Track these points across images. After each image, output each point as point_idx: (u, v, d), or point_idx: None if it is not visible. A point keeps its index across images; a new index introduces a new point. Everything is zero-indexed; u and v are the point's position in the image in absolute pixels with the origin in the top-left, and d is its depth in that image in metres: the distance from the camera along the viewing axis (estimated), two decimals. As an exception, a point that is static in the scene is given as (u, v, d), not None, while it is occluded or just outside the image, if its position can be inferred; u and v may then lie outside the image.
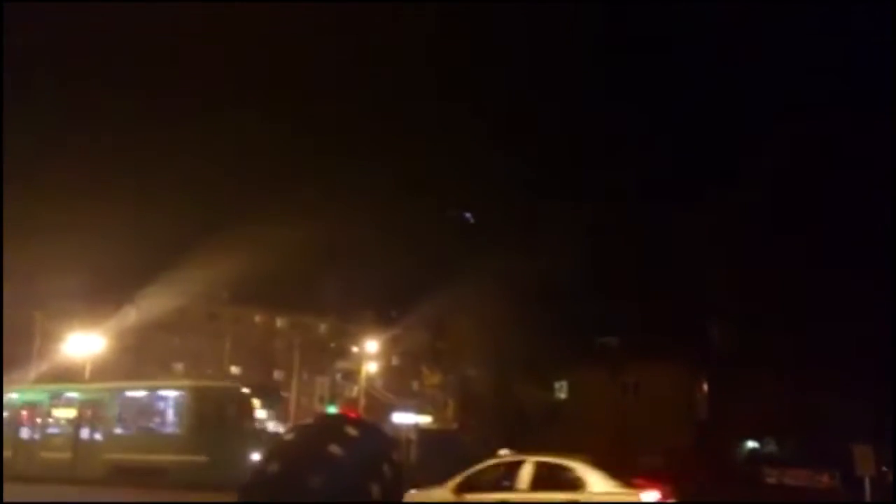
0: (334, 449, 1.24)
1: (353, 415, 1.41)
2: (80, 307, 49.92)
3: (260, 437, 25.94)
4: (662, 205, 61.25)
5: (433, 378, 64.90)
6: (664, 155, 73.36)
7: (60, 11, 56.08)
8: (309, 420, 1.39)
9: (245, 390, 25.76)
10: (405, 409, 59.41)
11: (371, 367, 59.24)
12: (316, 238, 55.28)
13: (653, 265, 51.65)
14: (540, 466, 13.76)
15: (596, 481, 13.00)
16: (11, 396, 28.93)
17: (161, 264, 54.43)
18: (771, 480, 35.01)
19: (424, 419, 58.34)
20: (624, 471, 17.15)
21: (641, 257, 53.07)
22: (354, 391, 62.87)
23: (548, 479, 13.46)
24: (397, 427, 51.06)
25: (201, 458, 22.07)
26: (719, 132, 70.61)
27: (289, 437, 1.29)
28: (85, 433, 25.72)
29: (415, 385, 72.89)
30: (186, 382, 25.88)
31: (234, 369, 64.80)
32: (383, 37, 72.45)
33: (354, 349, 64.83)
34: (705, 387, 47.05)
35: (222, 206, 74.33)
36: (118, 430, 25.32)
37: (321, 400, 62.60)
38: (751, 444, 43.99)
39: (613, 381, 46.20)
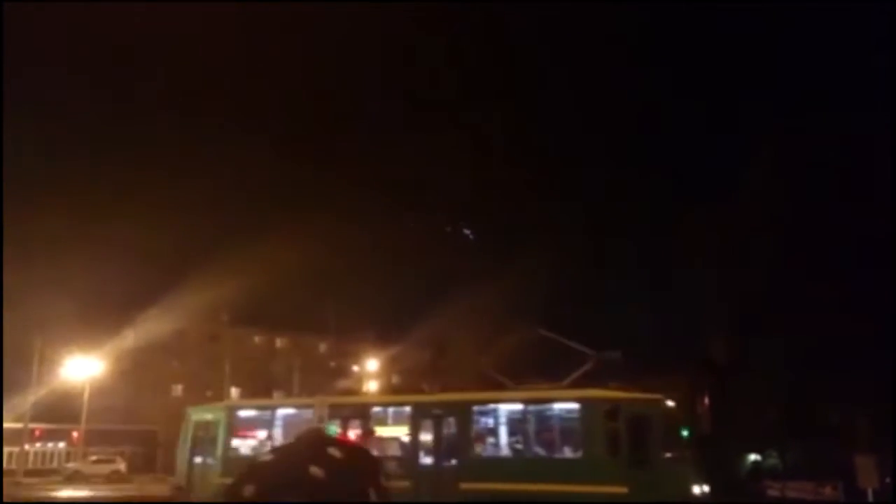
0: (315, 471, 1.20)
1: (339, 436, 1.37)
2: (79, 331, 49.79)
3: (692, 462, 20.17)
4: (660, 219, 61.41)
5: (434, 396, 64.54)
6: (663, 168, 73.62)
7: (67, 28, 56.29)
8: (290, 440, 1.36)
9: (671, 403, 19.71)
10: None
11: (371, 386, 58.95)
12: (315, 258, 55.25)
13: (652, 279, 51.67)
14: None
15: None
16: (288, 413, 24.18)
17: (161, 287, 54.43)
18: (774, 493, 34.78)
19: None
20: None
21: (641, 272, 53.12)
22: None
23: None
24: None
25: (619, 490, 17.47)
26: (716, 144, 70.96)
27: (267, 457, 1.26)
28: (427, 457, 20.64)
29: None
30: (589, 392, 19.30)
31: (234, 391, 64.52)
32: (375, 52, 72.75)
33: (355, 368, 64.62)
34: (706, 400, 46.88)
35: (222, 229, 74.43)
36: (481, 453, 20.32)
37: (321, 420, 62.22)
38: (753, 456, 43.77)
39: (614, 395, 46.00)
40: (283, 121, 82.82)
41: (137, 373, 57.88)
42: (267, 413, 24.13)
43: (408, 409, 21.82)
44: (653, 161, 76.10)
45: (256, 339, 73.67)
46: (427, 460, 20.43)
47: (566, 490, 17.62)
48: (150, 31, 65.80)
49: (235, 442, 23.40)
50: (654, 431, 18.34)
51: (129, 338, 55.22)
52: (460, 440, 20.23)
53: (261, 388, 67.41)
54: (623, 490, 17.33)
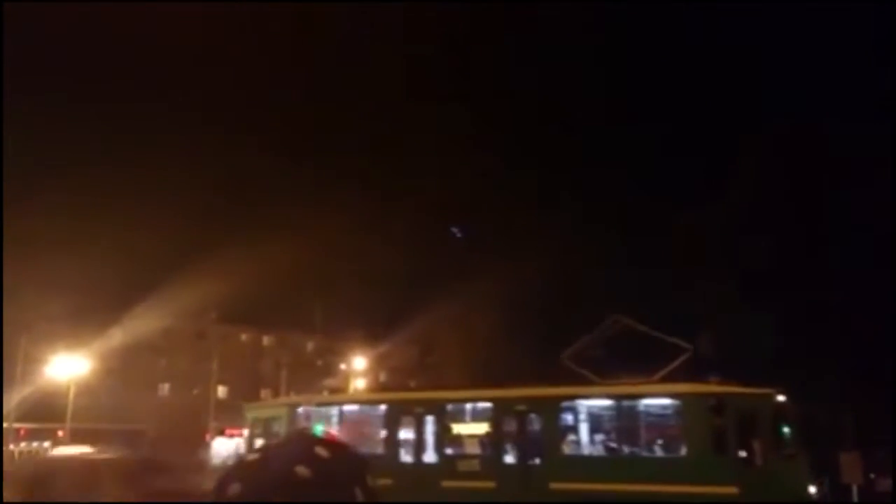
0: (302, 470, 1.20)
1: (327, 436, 1.37)
2: (65, 329, 49.47)
3: (806, 460, 18.44)
4: (647, 217, 61.57)
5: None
6: (653, 165, 73.79)
7: (60, 33, 55.99)
8: (276, 440, 1.36)
9: (782, 398, 17.94)
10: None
11: (359, 384, 58.90)
12: (302, 256, 55.11)
13: (638, 276, 51.74)
14: None
15: None
16: (355, 409, 23.07)
17: (148, 284, 54.17)
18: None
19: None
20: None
21: (626, 269, 53.16)
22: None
23: None
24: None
25: (728, 490, 16.20)
26: (708, 141, 71.25)
27: (253, 456, 1.26)
28: (510, 455, 19.32)
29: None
30: (691, 386, 17.87)
31: (221, 389, 64.34)
32: (368, 51, 72.57)
33: (342, 366, 64.56)
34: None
35: (209, 226, 74.13)
36: (571, 451, 19.06)
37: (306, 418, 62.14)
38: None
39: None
40: (272, 119, 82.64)
41: (124, 371, 57.55)
42: (332, 410, 23.09)
43: (488, 404, 20.46)
44: (647, 159, 76.33)
45: (244, 337, 73.48)
46: (511, 459, 19.24)
47: (669, 490, 16.51)
48: (139, 29, 65.52)
49: (401, 438, 21.85)
50: (765, 427, 17.29)
51: (116, 336, 54.92)
52: (547, 437, 19.08)
53: (248, 386, 67.28)
54: (733, 490, 16.19)
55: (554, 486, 17.88)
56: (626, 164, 75.38)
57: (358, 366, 61.74)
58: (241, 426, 63.35)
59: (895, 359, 35.18)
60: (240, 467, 1.22)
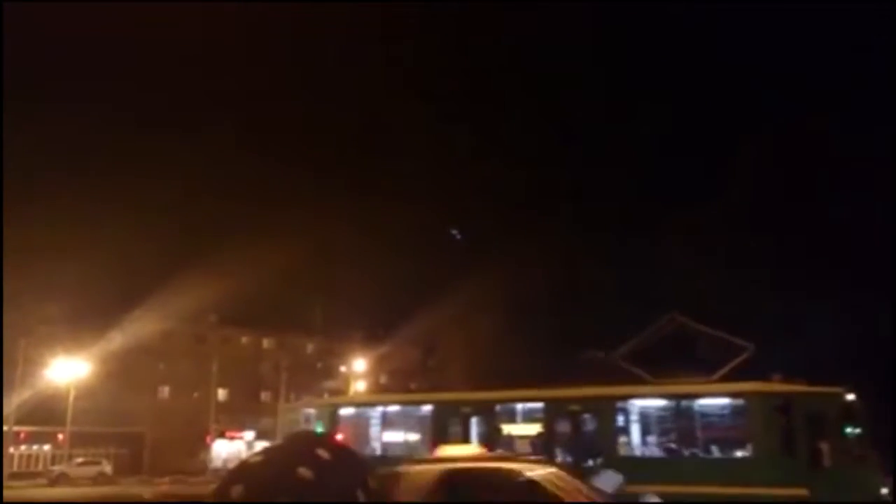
0: (304, 472, 1.20)
1: (329, 437, 1.37)
2: (64, 332, 49.49)
3: (878, 462, 17.38)
4: (647, 217, 61.68)
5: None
6: (653, 165, 73.87)
7: (60, 33, 56.04)
8: (279, 441, 1.36)
9: (852, 397, 17.19)
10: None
11: (359, 386, 58.93)
12: (302, 257, 55.16)
13: (636, 278, 51.87)
14: None
15: None
16: (399, 410, 22.64)
17: (147, 288, 54.20)
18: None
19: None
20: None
21: (625, 271, 53.30)
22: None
23: None
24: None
25: (798, 492, 15.64)
26: (697, 149, 71.43)
27: (256, 458, 1.26)
28: (564, 457, 18.66)
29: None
30: (756, 385, 17.21)
31: (222, 391, 64.34)
32: (366, 51, 72.65)
33: (342, 368, 64.59)
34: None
35: (209, 229, 74.20)
36: (628, 453, 18.45)
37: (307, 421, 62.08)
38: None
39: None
40: (272, 120, 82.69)
41: (124, 374, 57.55)
42: (375, 410, 22.77)
43: (540, 404, 19.93)
44: (644, 160, 76.41)
45: (244, 339, 73.45)
46: (564, 460, 18.33)
47: (734, 492, 15.86)
48: (139, 29, 65.58)
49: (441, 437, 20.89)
50: (834, 427, 16.76)
51: (116, 339, 54.92)
52: (603, 438, 18.59)
53: (248, 389, 67.31)
54: (803, 492, 15.58)
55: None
56: (625, 164, 75.49)
57: (358, 368, 61.75)
58: (241, 428, 63.59)
59: (895, 357, 35.24)
60: (242, 468, 1.22)
